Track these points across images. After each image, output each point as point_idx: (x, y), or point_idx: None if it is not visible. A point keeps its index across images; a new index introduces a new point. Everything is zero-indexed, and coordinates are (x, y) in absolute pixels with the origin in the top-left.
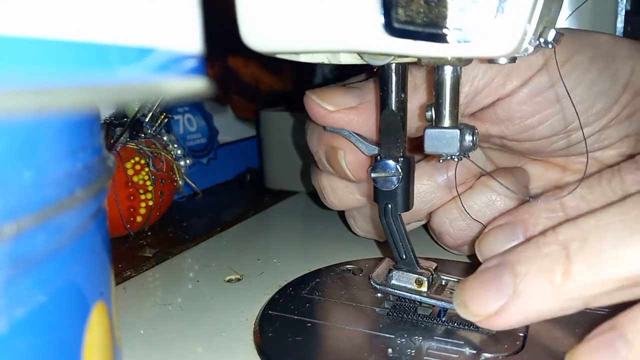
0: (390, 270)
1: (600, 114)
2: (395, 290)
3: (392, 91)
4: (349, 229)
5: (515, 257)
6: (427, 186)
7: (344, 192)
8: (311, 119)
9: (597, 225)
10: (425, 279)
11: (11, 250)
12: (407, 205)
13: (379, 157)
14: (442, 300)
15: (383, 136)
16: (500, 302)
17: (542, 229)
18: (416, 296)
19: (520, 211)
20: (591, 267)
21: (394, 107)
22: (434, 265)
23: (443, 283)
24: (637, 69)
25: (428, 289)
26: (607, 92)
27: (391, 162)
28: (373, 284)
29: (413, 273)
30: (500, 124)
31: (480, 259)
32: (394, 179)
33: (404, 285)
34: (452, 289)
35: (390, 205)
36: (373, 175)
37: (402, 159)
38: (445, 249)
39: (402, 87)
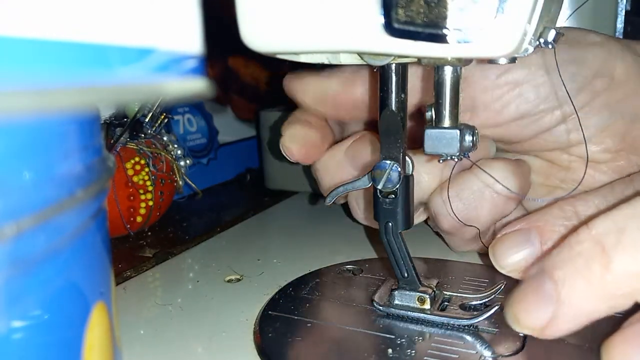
0: (392, 290)
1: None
2: (399, 311)
3: (392, 91)
4: (350, 217)
5: (551, 262)
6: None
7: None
8: None
9: (634, 213)
10: (427, 296)
11: (11, 250)
12: (408, 223)
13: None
14: (446, 317)
15: (383, 136)
16: (549, 312)
17: (557, 235)
18: (420, 314)
19: (534, 218)
20: (631, 258)
21: (394, 108)
22: (436, 281)
23: (446, 299)
24: (610, 59)
25: (431, 306)
26: (573, 76)
27: (390, 162)
28: (376, 306)
29: (415, 291)
30: (464, 115)
31: (495, 265)
32: (395, 178)
33: (407, 304)
34: (455, 305)
35: (390, 224)
36: (374, 176)
37: (402, 171)
38: (446, 246)
39: (402, 87)
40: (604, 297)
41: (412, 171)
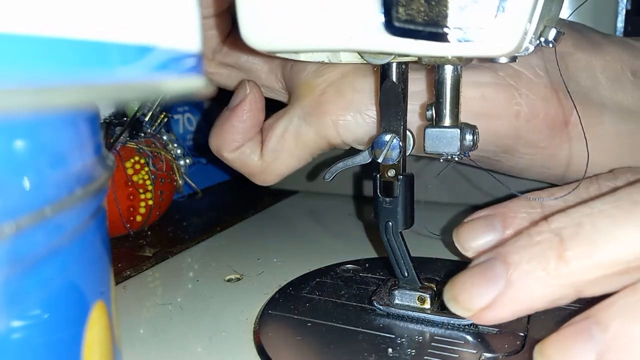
0: (392, 290)
1: None
2: (399, 310)
3: (392, 64)
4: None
5: (507, 248)
6: None
7: None
8: None
9: (591, 212)
10: (427, 296)
11: (11, 249)
12: (408, 222)
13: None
14: (446, 317)
15: (383, 109)
16: (492, 294)
17: (520, 222)
18: (420, 314)
19: (500, 206)
20: (586, 250)
21: (394, 78)
22: (436, 281)
23: None
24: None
25: (431, 305)
26: None
27: (389, 136)
28: (376, 305)
29: (415, 291)
30: None
31: (459, 248)
32: (395, 152)
33: (407, 304)
34: None
35: (391, 223)
36: (375, 153)
37: (402, 144)
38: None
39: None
40: (553, 285)
41: (413, 146)
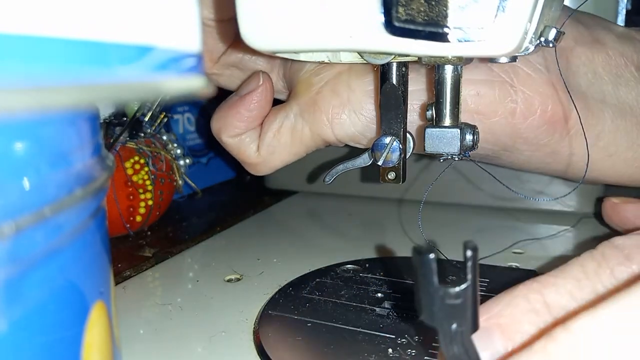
0: None
1: None
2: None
3: (392, 64)
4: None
5: None
6: None
7: None
8: None
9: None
10: None
11: (10, 249)
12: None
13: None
14: None
15: (383, 111)
16: None
17: (525, 337)
18: None
19: (495, 312)
20: None
21: (394, 81)
22: None
23: None
24: None
25: None
26: None
27: (389, 139)
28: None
29: None
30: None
31: None
32: (395, 155)
33: None
34: None
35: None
36: (375, 156)
37: (402, 147)
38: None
39: (404, 62)
40: None
41: (413, 149)
